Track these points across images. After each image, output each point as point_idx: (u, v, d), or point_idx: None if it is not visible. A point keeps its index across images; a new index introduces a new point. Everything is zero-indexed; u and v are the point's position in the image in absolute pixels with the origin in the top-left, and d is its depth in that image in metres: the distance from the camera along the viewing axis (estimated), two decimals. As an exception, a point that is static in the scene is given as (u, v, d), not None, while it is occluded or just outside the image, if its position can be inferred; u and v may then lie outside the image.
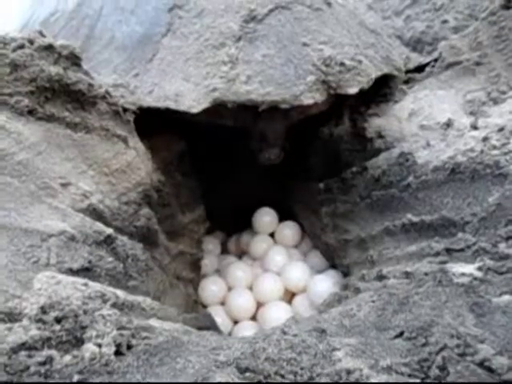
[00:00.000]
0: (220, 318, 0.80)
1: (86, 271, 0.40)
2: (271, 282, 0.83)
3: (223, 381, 0.26)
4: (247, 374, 0.28)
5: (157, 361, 0.31)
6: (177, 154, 0.77)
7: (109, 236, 0.46)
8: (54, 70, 0.43)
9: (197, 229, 0.83)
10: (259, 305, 0.82)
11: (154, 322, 0.45)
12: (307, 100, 0.56)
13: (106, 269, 0.44)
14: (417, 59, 0.75)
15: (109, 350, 0.29)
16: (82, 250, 0.41)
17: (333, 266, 0.85)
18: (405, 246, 0.56)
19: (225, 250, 1.03)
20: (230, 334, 0.81)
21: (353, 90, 0.60)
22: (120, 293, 0.43)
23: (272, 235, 0.96)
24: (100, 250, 0.44)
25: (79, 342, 0.30)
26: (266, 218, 0.96)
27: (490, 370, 0.26)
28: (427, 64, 0.70)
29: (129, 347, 0.31)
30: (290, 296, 0.84)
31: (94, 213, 0.47)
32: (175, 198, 0.74)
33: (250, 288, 0.85)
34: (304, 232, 0.95)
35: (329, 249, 0.82)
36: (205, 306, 0.85)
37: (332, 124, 0.79)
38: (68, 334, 0.30)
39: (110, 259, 0.45)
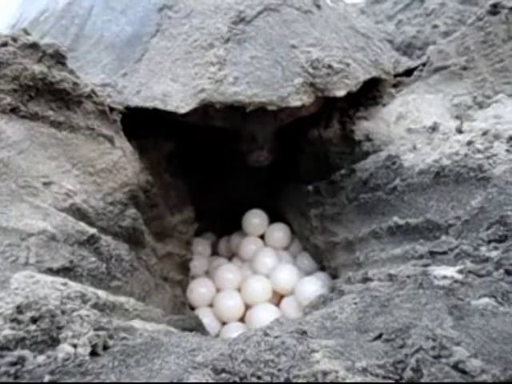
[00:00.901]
0: (208, 319, 0.80)
1: (66, 271, 0.40)
2: (260, 283, 0.83)
3: (197, 381, 0.26)
4: (223, 375, 0.28)
5: (133, 362, 0.30)
6: (165, 154, 0.77)
7: (92, 236, 0.46)
8: (38, 68, 0.43)
9: (185, 230, 0.82)
10: (247, 307, 0.82)
11: (136, 323, 0.45)
12: (294, 102, 0.56)
13: (88, 269, 0.43)
14: (406, 63, 0.76)
15: (84, 351, 0.29)
16: (63, 250, 0.41)
17: (322, 269, 0.85)
18: (390, 249, 0.56)
19: (215, 252, 1.02)
20: (217, 335, 0.80)
21: (340, 93, 0.60)
22: (102, 293, 0.42)
23: (262, 237, 0.96)
24: (82, 250, 0.44)
25: (55, 343, 0.30)
26: (255, 219, 0.96)
27: (463, 372, 0.26)
28: (416, 68, 0.71)
29: (105, 348, 0.31)
30: (278, 298, 0.84)
31: (78, 212, 0.46)
32: (163, 199, 0.74)
33: (239, 290, 0.85)
34: (294, 234, 0.95)
35: (317, 251, 0.82)
36: (193, 308, 0.84)
37: (321, 126, 0.80)
38: (43, 334, 0.30)
39: (93, 259, 0.45)
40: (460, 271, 0.39)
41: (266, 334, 0.38)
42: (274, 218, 0.97)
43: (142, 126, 0.69)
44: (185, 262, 0.82)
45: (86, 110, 0.50)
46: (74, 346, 0.29)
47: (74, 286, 0.38)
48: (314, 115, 0.79)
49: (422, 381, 0.26)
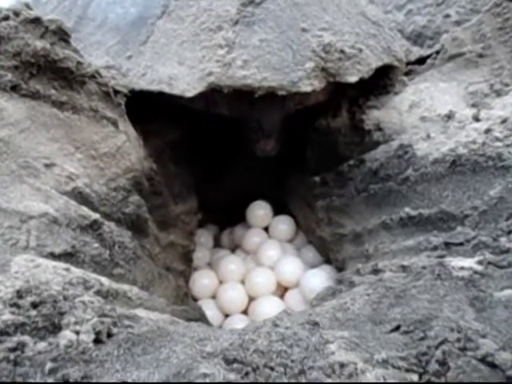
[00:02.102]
0: (211, 311, 0.79)
1: (68, 256, 0.38)
2: (264, 276, 0.81)
3: (208, 372, 0.24)
4: (234, 366, 0.26)
5: (139, 350, 0.29)
6: (170, 142, 0.75)
7: (95, 221, 0.44)
8: (40, 44, 0.41)
9: (189, 220, 0.81)
10: (251, 299, 0.81)
11: (139, 312, 0.43)
12: (305, 87, 0.54)
13: (91, 255, 0.42)
14: (418, 52, 0.74)
15: (87, 338, 0.27)
16: (65, 234, 0.39)
17: (327, 262, 0.84)
18: (401, 241, 0.54)
19: (217, 244, 1.01)
20: (220, 327, 0.79)
21: (352, 79, 0.58)
22: (104, 280, 0.41)
23: (266, 229, 0.94)
24: (85, 235, 0.42)
25: (56, 329, 0.28)
26: (260, 211, 0.94)
27: (492, 365, 0.24)
28: (429, 56, 0.68)
29: (110, 335, 0.30)
30: (282, 291, 0.82)
31: (80, 197, 0.45)
32: (167, 188, 0.72)
33: (243, 282, 0.83)
34: (298, 226, 0.93)
35: (323, 243, 0.80)
36: (196, 300, 0.83)
37: (330, 116, 0.78)
38: (44, 320, 0.28)
39: (96, 245, 0.43)
40: (479, 262, 0.38)
41: (276, 325, 0.37)
42: (278, 209, 0.95)
43: (147, 112, 0.67)
44: (188, 252, 0.80)
45: (90, 90, 0.48)
46: (77, 332, 0.28)
47: (77, 272, 0.37)
48: (323, 104, 0.77)
49: (449, 374, 0.24)
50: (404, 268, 0.45)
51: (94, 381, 0.24)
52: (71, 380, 0.23)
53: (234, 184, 0.93)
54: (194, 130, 0.79)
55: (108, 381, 0.24)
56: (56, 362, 0.24)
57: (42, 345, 0.26)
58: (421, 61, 0.70)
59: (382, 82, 0.71)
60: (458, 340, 0.26)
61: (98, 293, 0.37)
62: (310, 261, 0.87)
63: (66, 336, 0.27)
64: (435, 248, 0.46)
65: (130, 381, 0.24)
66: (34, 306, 0.29)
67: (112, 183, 0.52)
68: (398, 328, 0.32)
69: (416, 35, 0.97)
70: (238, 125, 0.76)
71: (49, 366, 0.24)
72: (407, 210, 0.55)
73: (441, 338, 0.27)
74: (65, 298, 0.32)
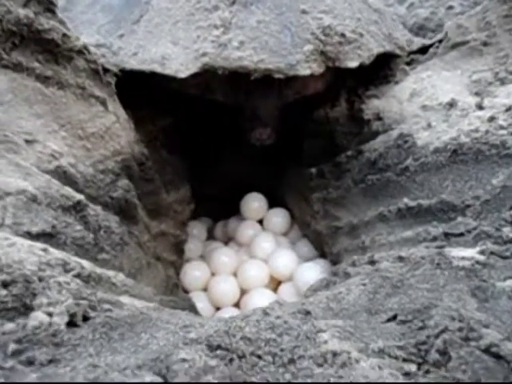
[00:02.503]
0: (202, 303, 0.77)
1: (47, 236, 0.36)
2: (257, 268, 0.79)
3: (188, 357, 0.22)
4: (218, 352, 0.24)
5: (117, 335, 0.27)
6: (163, 128, 0.73)
7: (78, 202, 0.42)
8: (23, 12, 0.39)
9: (181, 209, 0.78)
10: (243, 292, 0.79)
11: (123, 299, 0.41)
12: (303, 71, 0.52)
13: (73, 237, 0.39)
14: (420, 41, 0.72)
15: (60, 320, 0.25)
16: (45, 214, 0.37)
17: (322, 256, 0.82)
18: (399, 232, 0.52)
19: (211, 236, 0.99)
20: (211, 320, 0.77)
21: (352, 64, 0.56)
22: (87, 264, 0.39)
23: (261, 222, 0.92)
24: (67, 216, 0.40)
25: (27, 310, 0.26)
26: (254, 203, 0.92)
27: (497, 356, 0.22)
28: (431, 45, 0.66)
29: (86, 319, 0.27)
30: (275, 284, 0.81)
31: (64, 176, 0.43)
32: (159, 175, 0.70)
33: (235, 275, 0.81)
34: (294, 219, 0.91)
35: (318, 237, 0.79)
36: (187, 292, 0.81)
37: (328, 106, 0.76)
38: (15, 301, 0.26)
39: (79, 227, 0.41)
40: (481, 252, 0.36)
41: (266, 314, 0.35)
42: (273, 202, 0.93)
43: (140, 96, 0.65)
44: (179, 242, 0.78)
45: (77, 66, 0.46)
46: (50, 314, 0.26)
47: (56, 253, 0.35)
48: (321, 94, 0.75)
49: (450, 364, 0.22)
50: (401, 259, 0.43)
51: (63, 364, 0.22)
52: (36, 363, 0.21)
53: (229, 174, 0.91)
54: (188, 117, 0.77)
55: (78, 365, 0.22)
56: (20, 343, 0.22)
57: (9, 326, 0.24)
58: (423, 50, 0.68)
59: (382, 71, 0.69)
60: (460, 329, 0.24)
61: (78, 276, 0.35)
62: (304, 255, 0.85)
63: (38, 317, 0.25)
64: (434, 239, 0.44)
65: (102, 365, 0.22)
66: (5, 285, 0.27)
67: (99, 165, 0.50)
68: (394, 317, 0.30)
69: (418, 27, 0.95)
70: (233, 112, 0.74)
71: (12, 347, 0.22)
72: (406, 200, 0.53)
73: (441, 326, 0.25)
74: (40, 279, 0.29)
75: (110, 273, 0.43)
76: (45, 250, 0.34)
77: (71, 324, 0.26)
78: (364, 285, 0.39)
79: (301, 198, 0.85)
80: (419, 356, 0.23)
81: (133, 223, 0.57)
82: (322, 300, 0.38)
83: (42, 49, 0.41)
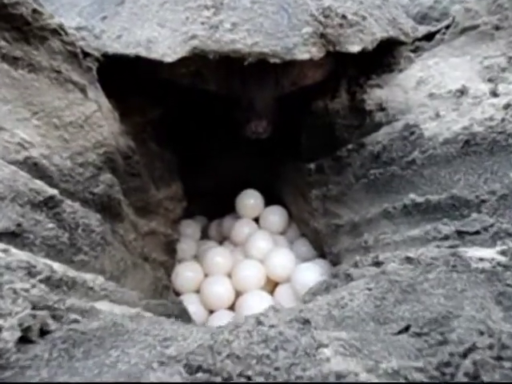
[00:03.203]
0: (194, 306, 0.73)
1: (10, 236, 0.32)
2: (252, 269, 0.75)
3: (159, 382, 0.18)
4: (198, 375, 0.20)
5: (80, 352, 0.23)
6: (151, 120, 0.68)
7: (51, 198, 0.37)
8: (-15, -18, 0.34)
9: (172, 207, 0.74)
10: (238, 294, 0.74)
11: (101, 305, 0.37)
12: (302, 54, 0.48)
13: (43, 236, 0.35)
14: (425, 29, 0.68)
15: (9, 336, 0.21)
16: (9, 210, 0.32)
17: (321, 256, 0.78)
18: (405, 230, 0.48)
19: (205, 236, 0.94)
20: (203, 324, 0.73)
21: (354, 48, 0.52)
22: (58, 267, 0.35)
23: (257, 220, 0.88)
24: (37, 213, 0.36)
25: (-26, 324, 0.22)
26: (250, 200, 0.88)
27: (539, 381, 0.19)
28: (437, 31, 0.62)
29: (45, 333, 0.23)
30: (272, 286, 0.76)
31: (35, 169, 0.38)
32: (148, 170, 0.65)
33: (230, 276, 0.77)
34: (291, 218, 0.87)
35: (317, 236, 0.74)
36: (179, 294, 0.76)
37: (327, 97, 0.72)
38: (-41, 312, 0.22)
39: (50, 225, 0.37)
40: (502, 253, 0.32)
41: (260, 323, 0.30)
42: (270, 199, 0.89)
43: (126, 85, 0.60)
44: (170, 242, 0.74)
45: (52, 48, 0.42)
46: (-2, 328, 0.21)
47: (20, 255, 0.30)
48: (320, 85, 0.71)
49: (482, 392, 0.18)
50: (410, 260, 0.39)
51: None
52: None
53: (223, 170, 0.86)
54: (179, 108, 0.72)
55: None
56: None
57: None
58: (428, 37, 0.64)
59: (384, 59, 0.65)
60: (491, 346, 0.20)
61: (45, 280, 0.31)
62: (302, 255, 0.81)
63: (-18, 333, 0.21)
64: (446, 237, 0.40)
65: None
66: None
67: (78, 157, 0.45)
68: (407, 328, 0.26)
69: (421, 17, 0.91)
70: (227, 104, 0.69)
71: None
72: (412, 196, 0.49)
73: (468, 343, 0.21)
74: (-6, 285, 0.25)
75: (88, 276, 0.39)
76: (5, 251, 0.29)
77: (24, 340, 0.22)
78: (369, 289, 0.34)
79: (299, 195, 0.81)
80: (443, 381, 0.19)
81: (117, 221, 0.53)
82: (322, 306, 0.34)
83: (8, 25, 0.37)
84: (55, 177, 0.41)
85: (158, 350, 0.25)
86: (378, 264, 0.45)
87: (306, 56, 0.48)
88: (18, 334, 0.21)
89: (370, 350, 0.25)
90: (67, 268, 0.36)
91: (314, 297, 0.46)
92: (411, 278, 0.33)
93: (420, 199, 0.47)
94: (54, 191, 0.38)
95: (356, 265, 0.50)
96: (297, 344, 0.26)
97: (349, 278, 0.44)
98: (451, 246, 0.38)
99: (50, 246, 0.36)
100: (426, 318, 0.25)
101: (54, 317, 0.25)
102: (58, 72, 0.42)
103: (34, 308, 0.24)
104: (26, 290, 0.25)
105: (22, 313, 0.23)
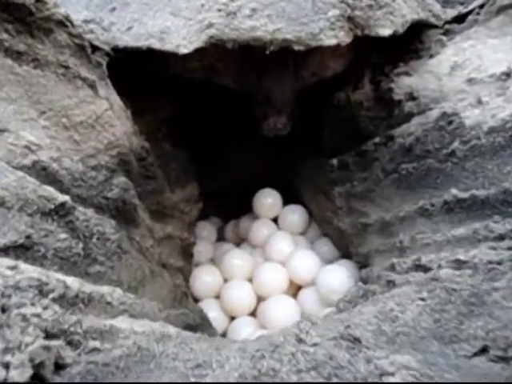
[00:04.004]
0: (214, 312, 0.69)
1: (20, 249, 0.28)
2: (274, 272, 0.71)
3: None
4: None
5: (103, 391, 0.19)
6: (165, 119, 0.65)
7: (62, 205, 0.34)
8: (-16, -31, 0.31)
9: (188, 209, 0.71)
10: (260, 299, 0.71)
11: (121, 322, 0.33)
12: (328, 40, 0.44)
13: (56, 248, 0.32)
14: (456, 10, 0.63)
15: (19, 375, 0.17)
16: (17, 221, 0.29)
17: (344, 256, 0.74)
18: (448, 229, 0.44)
19: (221, 237, 0.91)
20: (225, 331, 0.69)
21: (385, 32, 0.48)
22: (73, 281, 0.31)
23: (275, 220, 0.84)
24: (47, 223, 0.32)
25: (-24, 360, 0.18)
26: (268, 200, 0.84)
27: None
28: (469, 12, 0.58)
29: (61, 367, 0.20)
30: (295, 289, 0.72)
31: (44, 174, 0.35)
32: (162, 172, 0.62)
33: (250, 279, 0.74)
34: (311, 217, 0.83)
35: (342, 236, 0.70)
36: (197, 300, 0.73)
37: (349, 88, 0.67)
38: (-40, 346, 0.18)
39: (63, 236, 0.33)
40: None
41: (301, 341, 0.27)
42: (289, 198, 0.84)
43: (138, 81, 0.57)
44: (187, 246, 0.70)
45: (58, 41, 0.38)
46: (6, 366, 0.18)
47: (30, 271, 0.27)
48: (341, 76, 0.67)
49: None
50: (461, 263, 0.35)
51: None
52: None
53: (239, 169, 0.82)
54: (193, 106, 0.69)
55: None
56: None
57: None
58: (459, 19, 0.59)
59: (412, 45, 0.61)
60: None
61: (59, 299, 0.27)
62: (324, 255, 0.77)
63: (-14, 372, 0.17)
64: (501, 237, 0.36)
65: None
66: None
67: (91, 160, 0.42)
68: (484, 350, 0.22)
69: (444, 1, 0.86)
70: (243, 99, 0.66)
71: None
72: (454, 191, 0.44)
73: None
74: (2, 310, 0.22)
75: (105, 289, 0.36)
76: (14, 267, 0.26)
77: (37, 378, 0.18)
78: (423, 299, 0.30)
79: (320, 193, 0.77)
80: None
81: (133, 227, 0.50)
82: (369, 319, 0.30)
83: (11, 17, 0.33)
84: (66, 181, 0.38)
85: (192, 380, 0.21)
86: (420, 267, 0.41)
87: (333, 41, 0.44)
88: (30, 371, 0.18)
89: (444, 379, 0.21)
90: (82, 282, 0.32)
91: (350, 305, 0.42)
92: (473, 287, 0.29)
93: (463, 194, 0.43)
94: (65, 197, 0.35)
95: (393, 268, 0.46)
96: (354, 371, 0.22)
97: (390, 284, 0.40)
98: (510, 248, 0.34)
99: (63, 258, 0.33)
100: (509, 338, 0.21)
101: (70, 343, 0.22)
102: (66, 67, 0.39)
103: (47, 336, 0.21)
104: (38, 315, 0.22)
105: (34, 344, 0.19)
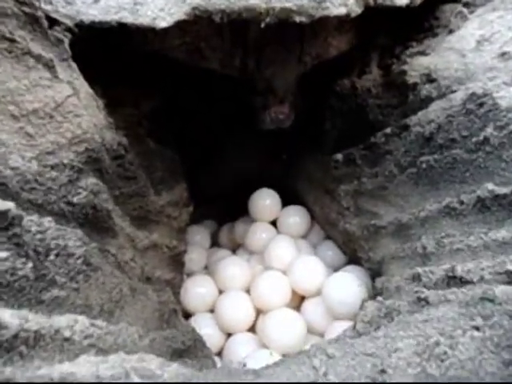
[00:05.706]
0: (208, 329, 0.62)
1: None
2: (274, 282, 0.64)
3: None
4: None
5: None
6: (147, 112, 0.57)
7: (3, 214, 0.26)
8: None
9: (177, 214, 0.63)
10: (259, 312, 0.63)
11: (82, 366, 0.26)
12: (337, 9, 0.36)
13: (-8, 272, 0.24)
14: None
15: None
16: None
17: (352, 262, 0.67)
18: (484, 232, 0.37)
19: (215, 243, 0.83)
20: (220, 350, 0.62)
21: (401, 2, 0.40)
22: (12, 317, 0.23)
23: (274, 223, 0.76)
24: (-19, 239, 0.24)
25: None
26: (265, 201, 0.77)
27: None
28: (491, -18, 0.51)
29: None
30: (298, 300, 0.65)
31: (-20, 175, 0.27)
32: (145, 172, 0.54)
33: (247, 290, 0.66)
34: (313, 219, 0.75)
35: (349, 239, 0.63)
36: (189, 315, 0.65)
37: (354, 73, 0.60)
38: None
39: (3, 254, 0.25)
40: None
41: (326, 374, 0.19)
42: (288, 199, 0.77)
43: (112, 68, 0.49)
44: (177, 255, 0.63)
45: (4, 10, 0.31)
46: None
47: None
48: (344, 60, 0.59)
49: None
50: (515, 276, 0.27)
51: None
52: None
53: (234, 168, 0.75)
54: (179, 96, 0.61)
55: None
56: None
57: None
58: (479, -9, 0.52)
59: (426, 22, 0.54)
60: None
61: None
62: (328, 261, 0.70)
63: None
64: (561, 242, 0.29)
65: None
66: None
67: (49, 157, 0.34)
68: None
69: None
70: (240, 87, 0.58)
71: None
72: (490, 186, 0.37)
73: None
74: None
75: (63, 321, 0.28)
76: None
77: None
78: (476, 328, 0.23)
79: (323, 192, 0.70)
80: None
81: (108, 237, 0.42)
82: (406, 357, 0.23)
83: None
84: (13, 184, 0.30)
85: None
86: (455, 279, 0.34)
87: (342, 11, 0.37)
88: None
89: None
90: (27, 315, 0.25)
91: (370, 327, 0.34)
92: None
93: (503, 189, 0.36)
94: (7, 204, 0.27)
95: (419, 278, 0.38)
96: None
97: (422, 302, 0.32)
98: None
99: (2, 284, 0.25)
100: None
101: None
102: (12, 41, 0.31)
103: None
104: None
105: None
